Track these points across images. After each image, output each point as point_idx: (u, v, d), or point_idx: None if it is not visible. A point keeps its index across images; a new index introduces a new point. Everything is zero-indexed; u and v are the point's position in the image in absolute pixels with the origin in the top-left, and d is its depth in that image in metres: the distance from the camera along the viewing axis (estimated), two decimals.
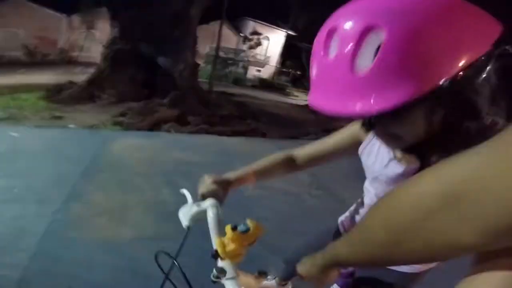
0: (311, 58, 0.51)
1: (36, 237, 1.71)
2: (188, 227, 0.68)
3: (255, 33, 23.45)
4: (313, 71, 0.50)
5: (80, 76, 6.82)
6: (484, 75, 0.44)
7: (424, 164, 0.54)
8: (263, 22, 23.94)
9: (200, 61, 10.26)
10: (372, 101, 0.43)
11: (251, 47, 22.77)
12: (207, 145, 3.72)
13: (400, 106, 0.41)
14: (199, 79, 7.91)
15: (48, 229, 1.79)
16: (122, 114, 4.50)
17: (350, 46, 0.43)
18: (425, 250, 0.28)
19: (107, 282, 1.49)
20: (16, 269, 1.48)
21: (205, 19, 15.74)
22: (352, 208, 0.91)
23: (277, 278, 1.10)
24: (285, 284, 0.93)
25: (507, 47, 0.45)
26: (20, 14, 14.42)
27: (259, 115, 6.92)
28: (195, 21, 7.03)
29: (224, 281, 0.56)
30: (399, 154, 0.62)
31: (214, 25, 14.72)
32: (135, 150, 3.03)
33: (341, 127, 0.79)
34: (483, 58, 0.43)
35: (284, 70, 26.50)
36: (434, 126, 0.49)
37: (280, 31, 24.37)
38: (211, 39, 14.23)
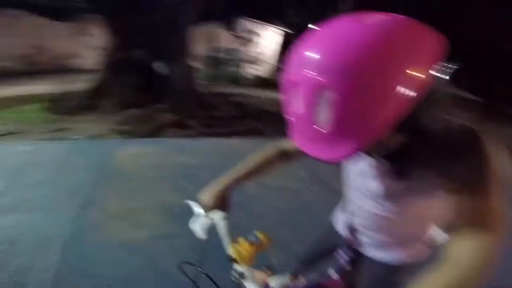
0: (285, 103, 0.56)
1: (61, 242, 1.95)
2: (206, 240, 0.84)
3: (250, 31, 23.65)
4: (289, 115, 0.57)
5: (78, 84, 7.04)
6: (430, 100, 0.50)
7: (397, 165, 0.65)
8: (257, 21, 24.02)
9: (198, 64, 10.37)
10: (340, 149, 0.50)
11: (246, 46, 22.98)
12: (207, 148, 3.98)
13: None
14: (200, 82, 8.13)
15: (71, 234, 2.03)
16: (124, 123, 4.74)
17: (309, 103, 0.49)
18: None
19: (130, 279, 1.72)
20: (48, 271, 1.72)
21: (199, 21, 15.88)
22: (340, 207, 1.04)
23: (289, 274, 1.28)
24: (297, 279, 1.03)
25: (443, 70, 0.51)
26: (9, 23, 14.49)
27: (258, 114, 7.12)
28: (189, 24, 7.19)
29: (245, 283, 0.72)
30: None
31: (208, 27, 14.91)
32: (140, 157, 3.29)
33: None
34: (427, 88, 0.48)
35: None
36: (396, 144, 0.57)
37: (275, 28, 24.61)
38: (207, 40, 14.46)
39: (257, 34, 23.56)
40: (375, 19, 0.50)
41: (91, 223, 2.16)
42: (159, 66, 6.47)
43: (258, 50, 23.89)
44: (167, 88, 6.35)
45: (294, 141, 0.58)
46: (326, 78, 0.46)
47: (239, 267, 0.74)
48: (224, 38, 21.49)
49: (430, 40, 0.50)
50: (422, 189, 0.66)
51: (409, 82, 0.46)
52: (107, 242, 1.99)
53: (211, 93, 8.52)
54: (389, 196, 0.73)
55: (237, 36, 22.80)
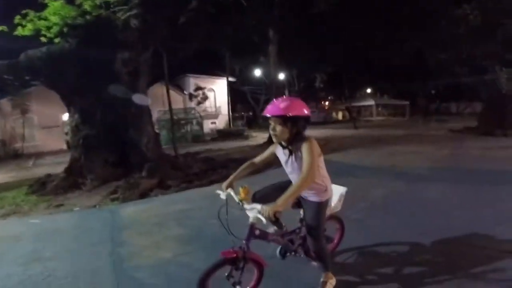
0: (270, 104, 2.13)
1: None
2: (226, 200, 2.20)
3: (199, 88, 25.25)
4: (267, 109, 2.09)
5: (44, 168, 7.76)
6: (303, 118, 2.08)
7: (290, 151, 2.15)
8: (202, 76, 25.79)
9: (156, 128, 11.38)
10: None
11: (199, 103, 24.73)
12: (195, 196, 5.40)
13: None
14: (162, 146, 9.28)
15: None
16: (113, 192, 5.80)
17: (275, 111, 2.04)
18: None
19: None
20: None
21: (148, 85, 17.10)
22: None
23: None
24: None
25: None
26: None
27: (227, 163, 8.48)
28: (145, 93, 8.31)
29: (248, 212, 2.01)
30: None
31: (155, 88, 16.17)
32: (144, 212, 4.48)
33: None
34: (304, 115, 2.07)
35: (237, 115, 29.17)
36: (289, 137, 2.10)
37: (220, 80, 26.02)
38: (156, 102, 15.45)
39: (208, 89, 25.64)
40: (291, 99, 2.11)
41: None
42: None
43: (213, 103, 25.89)
44: (140, 157, 7.36)
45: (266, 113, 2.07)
46: (282, 110, 2.02)
47: (242, 205, 2.03)
48: (176, 99, 22.89)
49: (305, 105, 2.12)
50: (299, 158, 2.07)
51: (299, 116, 2.07)
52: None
53: (179, 155, 9.72)
54: (292, 164, 2.15)
55: (188, 95, 24.51)
